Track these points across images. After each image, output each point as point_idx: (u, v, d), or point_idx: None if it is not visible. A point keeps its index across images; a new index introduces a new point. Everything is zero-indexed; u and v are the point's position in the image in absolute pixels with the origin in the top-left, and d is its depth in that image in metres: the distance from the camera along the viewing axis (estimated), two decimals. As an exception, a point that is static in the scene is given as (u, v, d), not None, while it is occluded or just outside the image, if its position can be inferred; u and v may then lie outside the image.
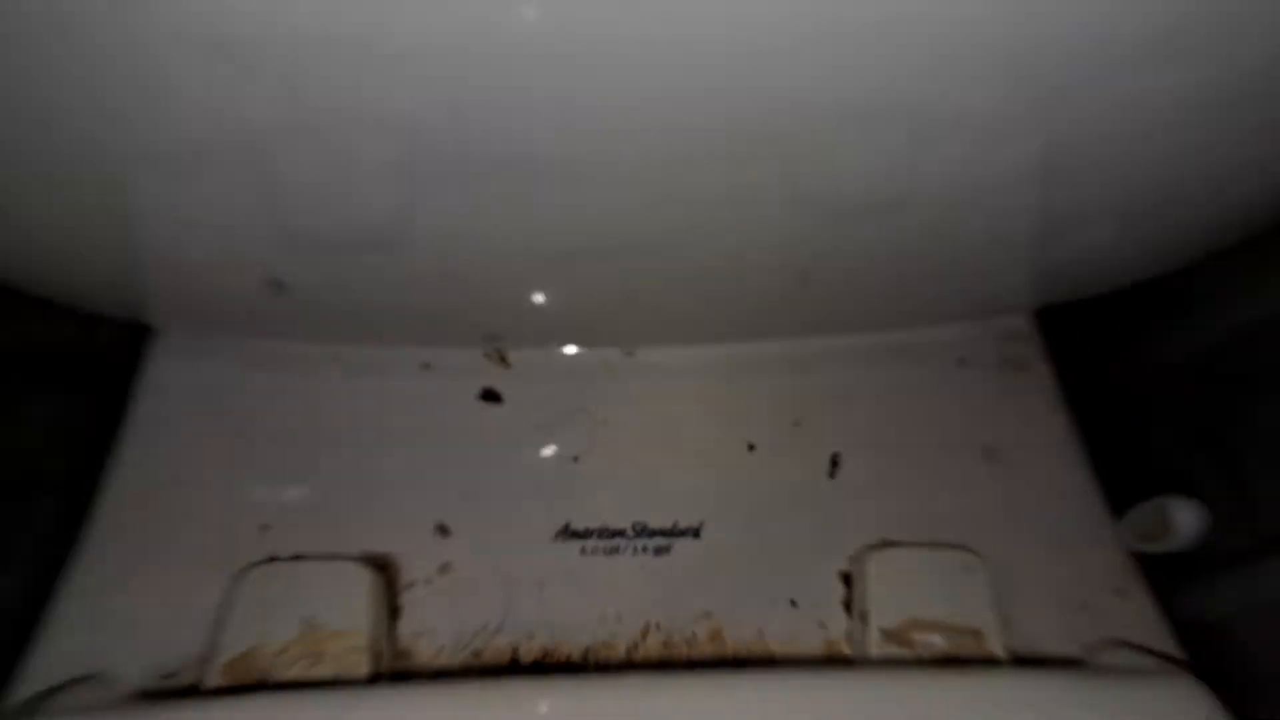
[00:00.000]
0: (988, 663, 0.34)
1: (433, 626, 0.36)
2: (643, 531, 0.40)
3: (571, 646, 0.35)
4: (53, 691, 0.31)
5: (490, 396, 0.42)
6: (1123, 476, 0.50)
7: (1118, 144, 0.33)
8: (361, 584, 0.35)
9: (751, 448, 0.42)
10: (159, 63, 0.27)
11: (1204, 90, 0.31)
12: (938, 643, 0.35)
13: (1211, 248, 0.43)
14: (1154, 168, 0.35)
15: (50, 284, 0.39)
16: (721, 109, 0.29)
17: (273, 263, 0.35)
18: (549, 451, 0.42)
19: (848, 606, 0.38)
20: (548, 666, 0.34)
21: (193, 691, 0.33)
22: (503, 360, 0.41)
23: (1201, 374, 0.70)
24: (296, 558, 0.36)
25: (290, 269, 0.34)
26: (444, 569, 0.36)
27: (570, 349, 0.44)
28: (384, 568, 0.36)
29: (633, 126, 0.29)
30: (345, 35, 0.26)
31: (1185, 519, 0.44)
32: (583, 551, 0.39)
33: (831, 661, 0.37)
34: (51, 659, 0.34)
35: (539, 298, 0.37)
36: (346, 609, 0.35)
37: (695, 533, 0.40)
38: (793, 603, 0.37)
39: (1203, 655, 0.40)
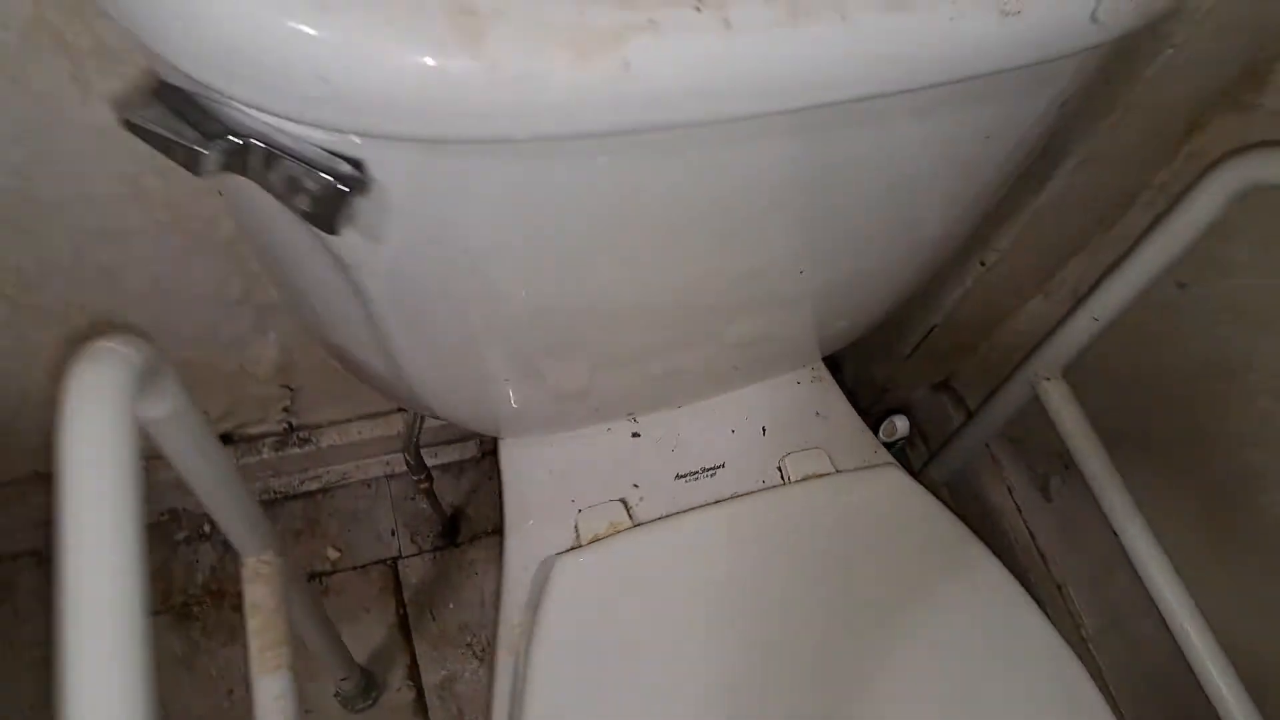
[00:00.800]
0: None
1: (643, 517, 0.87)
2: (704, 469, 0.83)
3: (693, 512, 0.88)
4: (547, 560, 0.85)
5: (635, 435, 0.91)
6: (896, 410, 1.10)
7: (851, 303, 0.83)
8: (621, 508, 0.85)
9: (734, 431, 0.93)
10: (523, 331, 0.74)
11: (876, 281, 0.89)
12: (812, 478, 0.92)
13: (894, 308, 0.87)
14: (861, 307, 0.87)
15: (463, 421, 0.92)
16: (699, 322, 0.83)
17: (537, 407, 0.89)
18: (662, 448, 0.89)
19: (781, 476, 0.91)
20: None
21: (576, 548, 0.85)
22: (636, 420, 0.91)
23: (925, 356, 1.31)
24: (595, 505, 0.88)
25: (558, 402, 0.89)
26: (640, 498, 0.87)
27: (659, 410, 0.86)
28: (624, 500, 0.87)
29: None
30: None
31: (900, 425, 1.03)
32: (685, 481, 0.83)
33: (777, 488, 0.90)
34: (522, 555, 0.87)
35: (646, 397, 0.90)
36: (618, 516, 0.85)
37: (723, 466, 0.87)
38: (763, 482, 0.90)
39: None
